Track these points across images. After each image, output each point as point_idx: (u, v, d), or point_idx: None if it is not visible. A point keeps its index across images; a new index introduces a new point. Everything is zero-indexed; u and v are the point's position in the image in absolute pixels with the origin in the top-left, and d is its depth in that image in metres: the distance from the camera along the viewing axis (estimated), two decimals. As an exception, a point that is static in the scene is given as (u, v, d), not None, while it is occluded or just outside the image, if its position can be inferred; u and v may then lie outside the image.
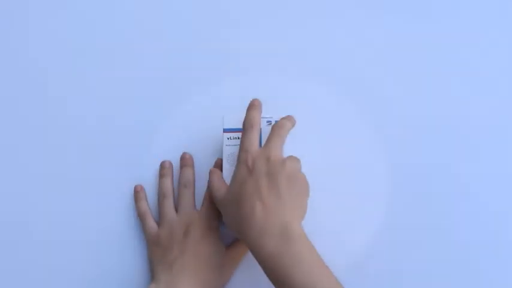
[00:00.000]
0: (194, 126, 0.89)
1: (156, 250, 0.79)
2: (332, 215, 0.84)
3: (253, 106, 0.78)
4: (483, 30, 0.95)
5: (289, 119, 0.78)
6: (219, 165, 0.82)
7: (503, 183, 0.88)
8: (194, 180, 0.84)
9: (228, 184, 0.76)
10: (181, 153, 0.86)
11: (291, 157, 0.74)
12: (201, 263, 0.76)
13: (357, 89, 0.92)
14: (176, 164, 0.87)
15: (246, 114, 0.77)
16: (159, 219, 0.83)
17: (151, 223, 0.82)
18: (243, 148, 0.75)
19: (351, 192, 0.85)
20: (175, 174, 0.86)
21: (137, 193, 0.84)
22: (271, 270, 0.68)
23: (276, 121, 0.79)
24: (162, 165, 0.85)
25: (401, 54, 0.94)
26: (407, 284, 0.81)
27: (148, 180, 0.87)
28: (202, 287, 0.75)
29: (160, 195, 0.83)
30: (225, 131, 0.82)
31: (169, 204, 0.82)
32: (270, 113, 0.86)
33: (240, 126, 0.78)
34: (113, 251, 0.85)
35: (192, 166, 0.85)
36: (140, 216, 0.83)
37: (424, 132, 0.90)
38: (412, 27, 0.95)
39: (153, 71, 0.93)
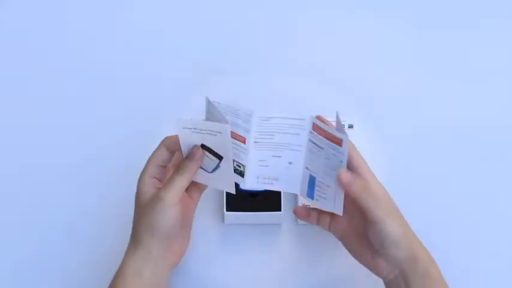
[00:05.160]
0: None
1: None
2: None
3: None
4: (484, 32, 0.95)
5: None
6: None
7: (504, 183, 0.88)
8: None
9: None
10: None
11: None
12: None
13: (357, 89, 0.92)
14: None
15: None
16: None
17: None
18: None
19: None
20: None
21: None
22: None
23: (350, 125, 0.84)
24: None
25: (401, 54, 0.94)
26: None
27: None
28: None
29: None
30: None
31: None
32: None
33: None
34: (113, 250, 0.85)
35: None
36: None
37: (424, 132, 0.90)
38: (413, 27, 0.95)
39: (155, 70, 0.94)
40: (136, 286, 0.72)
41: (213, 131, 0.72)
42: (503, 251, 0.86)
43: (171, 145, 0.75)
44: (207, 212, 0.85)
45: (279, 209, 0.82)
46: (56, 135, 0.90)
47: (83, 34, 0.95)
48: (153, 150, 0.75)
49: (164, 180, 0.76)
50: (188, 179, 0.73)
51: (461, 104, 0.91)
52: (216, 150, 0.74)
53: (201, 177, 0.75)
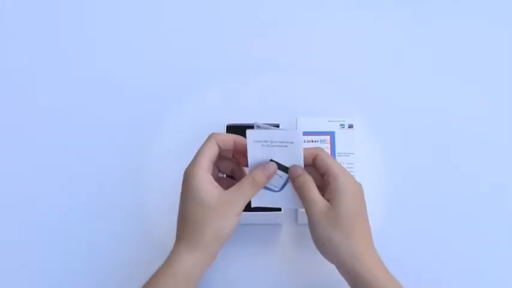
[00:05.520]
0: (196, 125, 0.89)
1: None
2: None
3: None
4: (484, 30, 0.95)
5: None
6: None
7: (504, 182, 0.88)
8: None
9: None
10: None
11: None
12: None
13: (357, 89, 0.92)
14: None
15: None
16: None
17: None
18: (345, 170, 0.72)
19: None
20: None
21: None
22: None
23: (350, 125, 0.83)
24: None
25: (402, 54, 0.94)
26: (407, 282, 0.81)
27: (150, 179, 0.87)
28: None
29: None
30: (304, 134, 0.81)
31: None
32: (271, 112, 0.86)
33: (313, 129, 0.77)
34: (114, 252, 0.85)
35: None
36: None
37: (424, 132, 0.90)
38: (414, 26, 0.96)
39: (154, 70, 0.94)
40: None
41: (283, 142, 0.70)
42: (504, 251, 0.86)
43: (221, 142, 0.72)
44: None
45: (279, 209, 0.82)
46: (54, 138, 0.90)
47: (82, 36, 0.96)
48: (202, 144, 0.72)
49: (216, 177, 0.73)
50: (256, 192, 0.72)
51: (462, 103, 0.92)
52: (284, 164, 0.72)
53: (267, 200, 0.74)
